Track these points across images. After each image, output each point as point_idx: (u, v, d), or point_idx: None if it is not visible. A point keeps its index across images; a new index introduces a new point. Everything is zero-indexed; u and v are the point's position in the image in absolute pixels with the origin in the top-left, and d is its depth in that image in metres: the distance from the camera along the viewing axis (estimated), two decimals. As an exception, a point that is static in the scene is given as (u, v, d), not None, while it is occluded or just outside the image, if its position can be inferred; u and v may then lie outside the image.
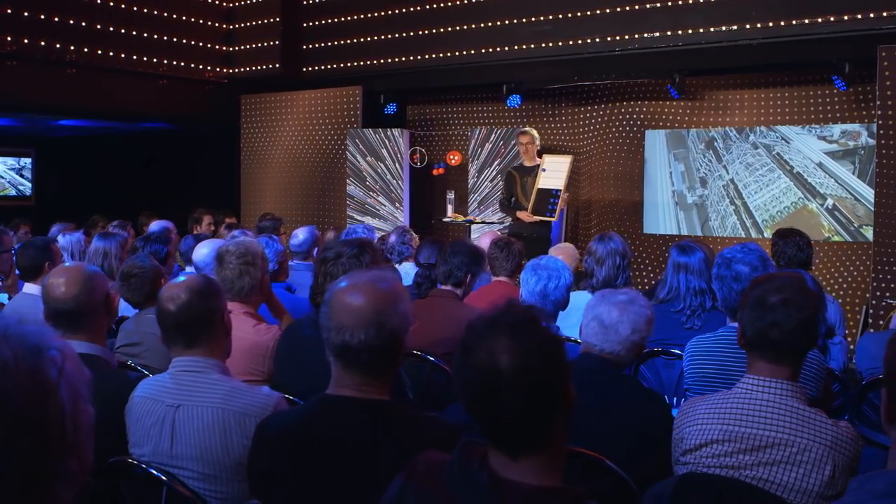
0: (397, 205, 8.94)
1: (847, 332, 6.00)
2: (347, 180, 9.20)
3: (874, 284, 6.48)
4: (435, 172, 9.13)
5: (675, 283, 4.01)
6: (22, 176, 11.42)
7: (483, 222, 7.56)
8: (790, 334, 2.15)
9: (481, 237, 5.76)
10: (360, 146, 9.10)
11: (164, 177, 11.32)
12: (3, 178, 11.31)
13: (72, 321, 2.60)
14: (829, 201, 7.79)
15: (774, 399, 2.12)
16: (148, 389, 2.33)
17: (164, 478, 2.18)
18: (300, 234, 5.37)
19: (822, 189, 7.86)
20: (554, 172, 7.43)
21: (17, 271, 4.53)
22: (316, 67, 9.84)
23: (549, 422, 1.51)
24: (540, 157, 7.72)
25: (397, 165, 8.92)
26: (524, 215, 7.37)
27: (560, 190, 7.32)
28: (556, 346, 1.54)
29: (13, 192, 11.33)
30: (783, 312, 2.15)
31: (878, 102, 6.46)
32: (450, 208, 8.34)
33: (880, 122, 6.44)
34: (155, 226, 6.36)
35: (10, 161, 11.32)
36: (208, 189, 10.52)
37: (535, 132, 7.74)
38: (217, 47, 10.22)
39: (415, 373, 3.88)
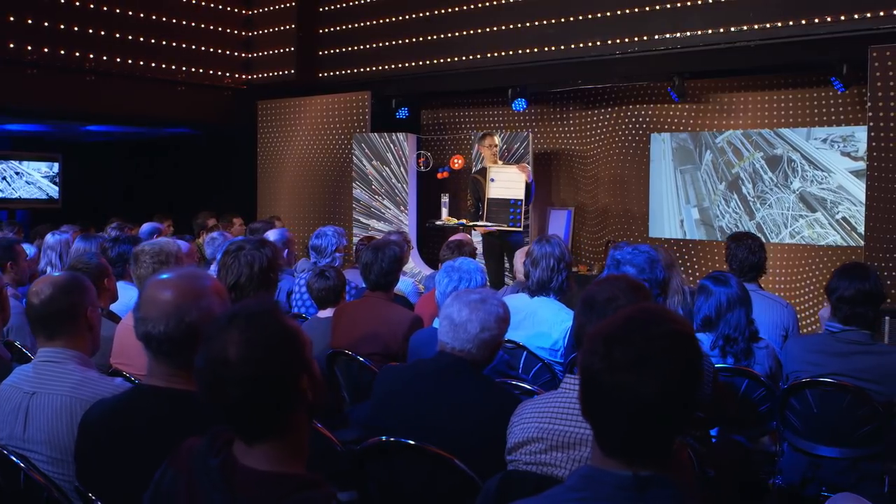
0: (402, 208, 9.03)
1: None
2: (353, 184, 9.34)
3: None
4: (439, 176, 9.21)
5: (610, 285, 4.02)
6: (54, 183, 11.87)
7: (475, 225, 7.61)
8: None
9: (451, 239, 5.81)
10: (366, 150, 9.23)
11: (188, 180, 11.65)
12: (35, 184, 11.76)
13: None
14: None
15: (589, 396, 2.14)
16: (13, 377, 2.46)
17: (21, 464, 2.31)
18: (270, 237, 5.51)
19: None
20: (509, 182, 7.60)
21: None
22: (331, 73, 10.02)
23: (279, 411, 1.58)
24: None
25: (402, 169, 9.02)
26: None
27: (520, 200, 7.49)
28: (286, 338, 1.60)
29: (43, 196, 11.79)
30: (608, 313, 2.16)
31: (870, 104, 6.31)
32: (444, 211, 8.40)
33: (871, 123, 6.29)
34: (145, 228, 6.57)
35: (44, 168, 11.77)
36: (228, 192, 10.79)
37: (495, 137, 7.99)
38: (236, 54, 10.48)
39: (345, 370, 3.99)
